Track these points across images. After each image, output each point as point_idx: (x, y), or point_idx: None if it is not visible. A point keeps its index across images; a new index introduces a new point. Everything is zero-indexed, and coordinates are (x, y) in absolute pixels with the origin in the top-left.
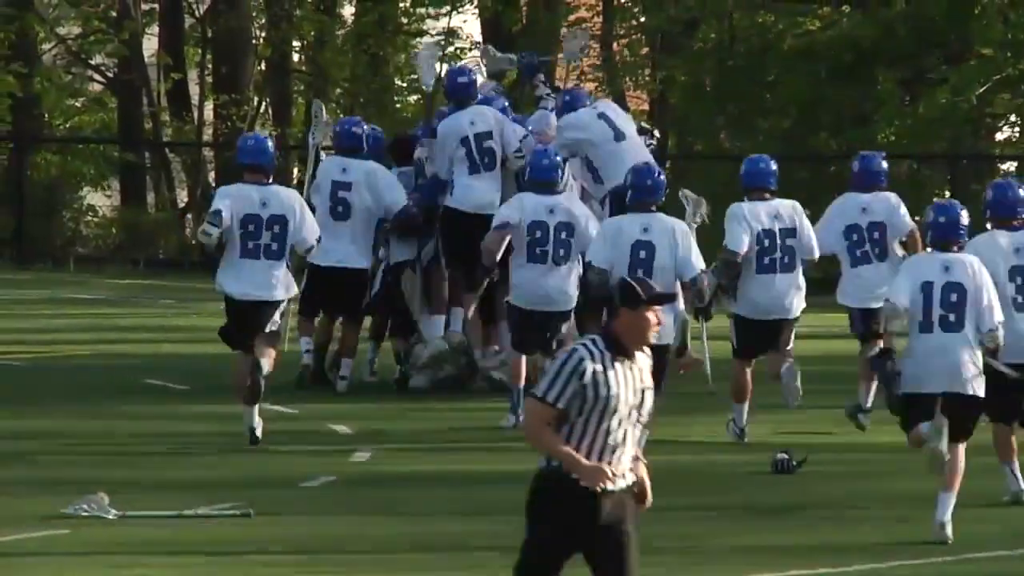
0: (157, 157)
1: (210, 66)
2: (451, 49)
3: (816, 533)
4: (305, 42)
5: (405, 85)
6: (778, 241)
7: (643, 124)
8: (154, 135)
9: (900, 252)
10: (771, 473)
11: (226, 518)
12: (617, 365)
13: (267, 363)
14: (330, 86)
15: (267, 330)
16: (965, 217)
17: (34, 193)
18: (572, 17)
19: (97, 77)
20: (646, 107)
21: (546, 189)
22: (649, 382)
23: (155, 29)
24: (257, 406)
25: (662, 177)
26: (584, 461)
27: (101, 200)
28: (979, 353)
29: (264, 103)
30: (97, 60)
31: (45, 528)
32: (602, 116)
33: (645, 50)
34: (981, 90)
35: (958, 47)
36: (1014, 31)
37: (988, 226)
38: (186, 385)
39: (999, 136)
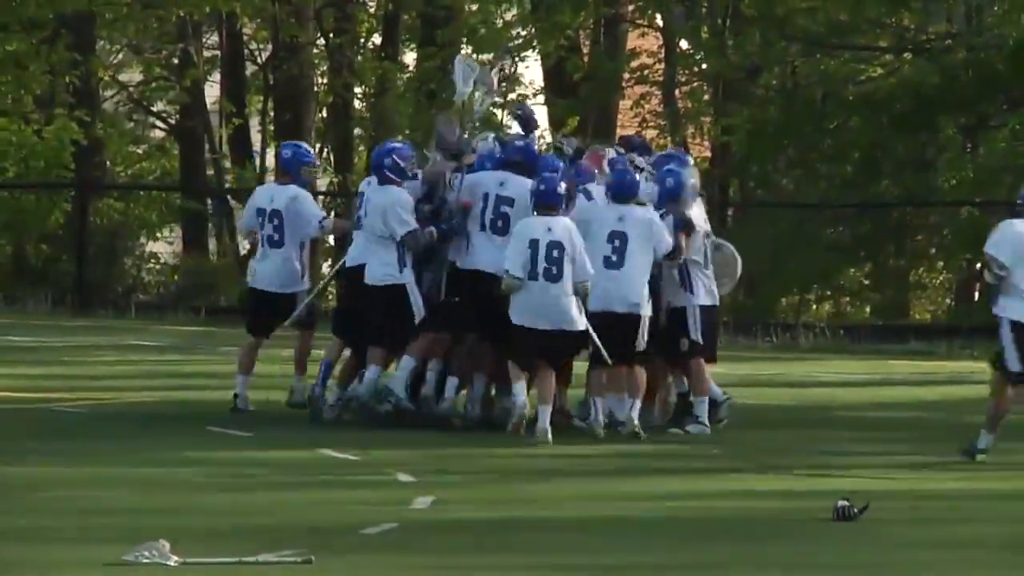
0: (219, 204)
1: (272, 113)
2: (512, 96)
3: None
4: (367, 88)
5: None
6: None
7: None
8: (216, 182)
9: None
10: (832, 521)
11: (287, 565)
12: None
13: None
14: (392, 132)
15: None
16: None
17: (96, 240)
18: (634, 64)
19: (159, 124)
20: (708, 154)
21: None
22: None
23: (216, 76)
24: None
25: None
26: None
27: (163, 247)
28: None
29: (326, 149)
30: (159, 107)
31: (106, 575)
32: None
33: (707, 97)
34: None
35: (1020, 93)
36: None
37: None
38: (248, 432)
39: None
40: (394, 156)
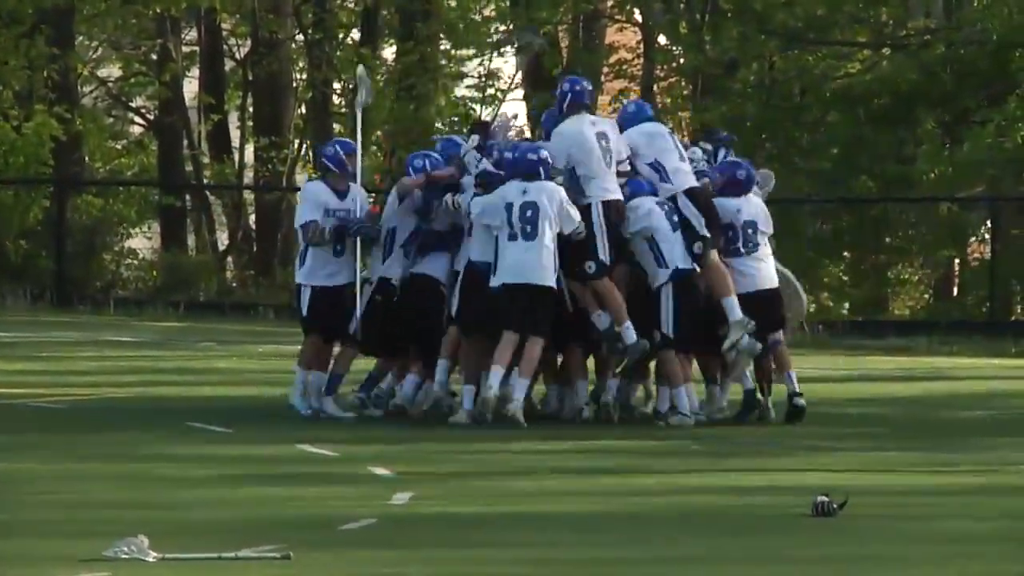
0: (197, 200)
1: (250, 109)
2: (491, 91)
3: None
4: (345, 84)
5: (446, 128)
6: None
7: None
8: (195, 178)
9: None
10: (811, 516)
11: (266, 560)
12: None
13: None
14: (370, 128)
15: None
16: None
17: (74, 236)
18: (613, 59)
19: (138, 120)
20: None
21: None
22: None
23: (195, 72)
24: None
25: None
26: None
27: (141, 243)
28: None
29: (305, 145)
30: (138, 103)
31: (85, 570)
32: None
33: (685, 92)
34: None
35: (1000, 89)
36: None
37: None
38: (227, 427)
39: None
40: (336, 147)
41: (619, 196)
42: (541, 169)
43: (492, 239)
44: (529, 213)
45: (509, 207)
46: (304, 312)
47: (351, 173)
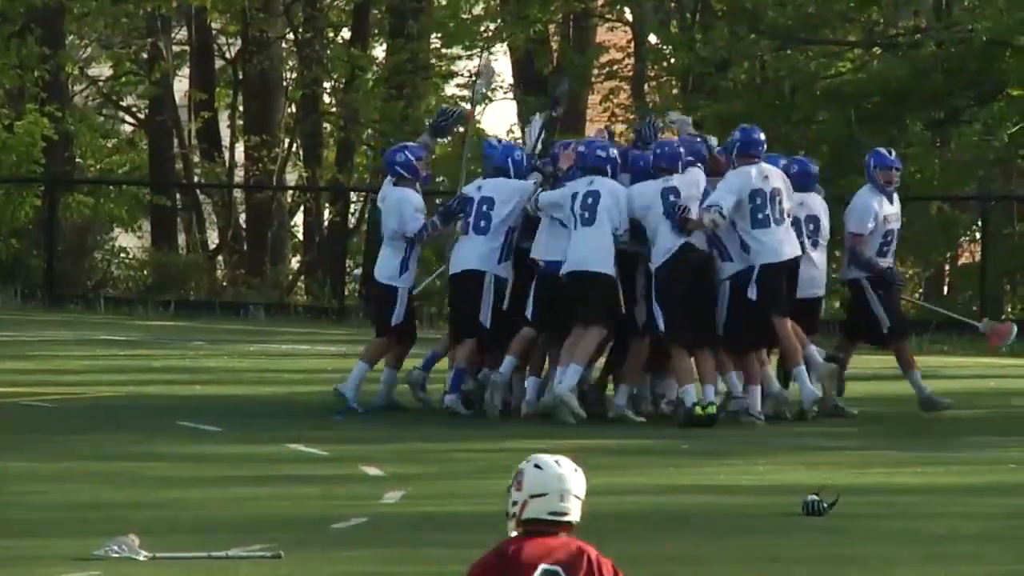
0: (188, 199)
1: (241, 108)
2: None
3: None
4: (336, 83)
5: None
6: None
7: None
8: (185, 177)
9: None
10: (802, 515)
11: (256, 559)
12: None
13: None
14: (361, 127)
15: None
16: None
17: (65, 235)
18: (603, 59)
19: (128, 119)
20: None
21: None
22: None
23: (186, 71)
24: None
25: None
26: None
27: (132, 242)
28: None
29: (295, 144)
30: (128, 102)
31: (77, 570)
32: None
33: (675, 91)
34: (1013, 130)
35: (990, 89)
36: None
37: None
38: (217, 427)
39: None
40: (407, 153)
41: None
42: (608, 167)
43: (559, 235)
44: (590, 200)
45: (574, 196)
46: (402, 317)
47: (424, 177)
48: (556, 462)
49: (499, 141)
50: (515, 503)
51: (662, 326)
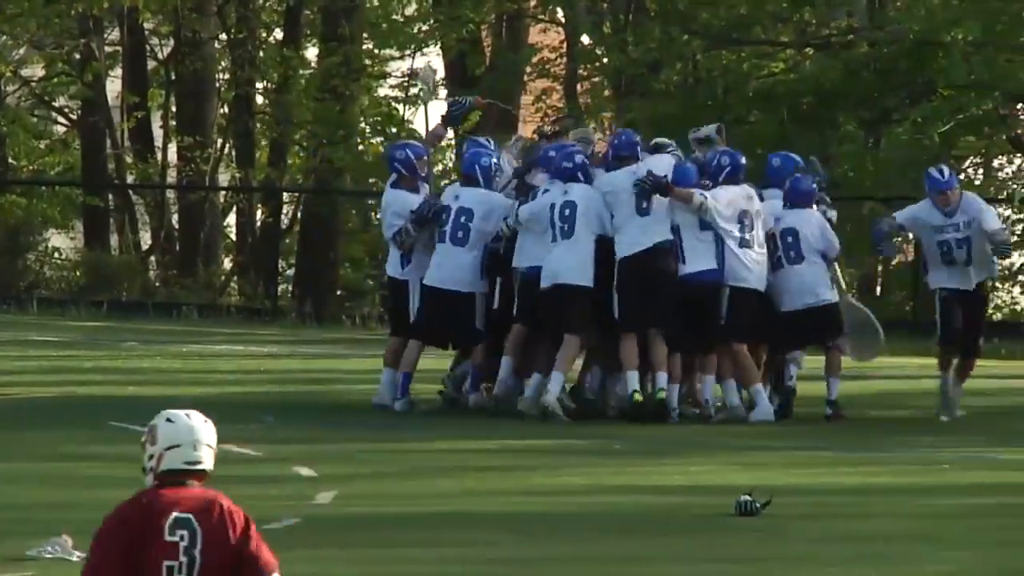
0: (121, 199)
1: (174, 108)
2: (414, 91)
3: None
4: (268, 84)
5: (368, 129)
6: None
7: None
8: (118, 177)
9: None
10: (734, 515)
11: None
12: None
13: None
14: (293, 128)
15: None
16: None
17: None
18: (536, 59)
19: (61, 119)
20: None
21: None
22: None
23: (118, 71)
24: None
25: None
26: None
27: (65, 242)
28: None
29: (228, 145)
30: (61, 102)
31: (11, 570)
32: None
33: (607, 92)
34: (944, 128)
35: (922, 89)
36: (977, 72)
37: None
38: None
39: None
40: (408, 151)
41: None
42: (580, 174)
43: (538, 243)
44: (567, 212)
45: (552, 207)
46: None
47: (423, 176)
48: (187, 415)
49: (488, 140)
50: (151, 457)
51: (616, 313)
